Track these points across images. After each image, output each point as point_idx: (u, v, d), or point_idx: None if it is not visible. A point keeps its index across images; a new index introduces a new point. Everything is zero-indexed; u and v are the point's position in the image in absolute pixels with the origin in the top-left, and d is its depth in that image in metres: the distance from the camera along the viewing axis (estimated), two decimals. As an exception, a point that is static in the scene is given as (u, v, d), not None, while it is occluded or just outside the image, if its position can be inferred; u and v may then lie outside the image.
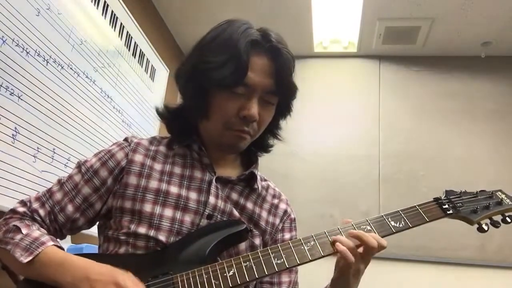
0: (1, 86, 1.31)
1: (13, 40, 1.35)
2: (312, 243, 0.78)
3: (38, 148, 1.48)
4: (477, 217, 0.83)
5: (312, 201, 2.60)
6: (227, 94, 0.82)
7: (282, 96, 0.88)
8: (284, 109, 0.92)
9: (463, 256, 2.34)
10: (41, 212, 0.83)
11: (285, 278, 0.93)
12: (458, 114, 2.69)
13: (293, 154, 2.64)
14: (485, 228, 0.83)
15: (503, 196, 0.87)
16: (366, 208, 2.55)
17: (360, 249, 0.77)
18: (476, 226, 0.84)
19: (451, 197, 0.86)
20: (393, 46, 2.79)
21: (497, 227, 0.83)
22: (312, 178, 2.67)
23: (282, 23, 2.58)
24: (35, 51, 1.45)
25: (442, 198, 0.86)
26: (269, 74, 0.83)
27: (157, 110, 0.95)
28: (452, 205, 0.84)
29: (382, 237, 0.79)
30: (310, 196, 2.61)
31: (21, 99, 1.39)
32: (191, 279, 0.73)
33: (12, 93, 1.35)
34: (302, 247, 0.77)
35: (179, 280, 0.73)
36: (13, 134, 1.36)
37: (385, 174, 2.63)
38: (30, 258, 0.73)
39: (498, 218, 0.84)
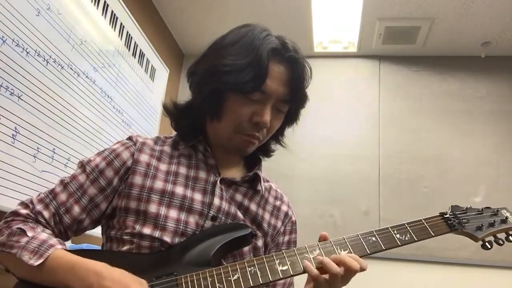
0: (1, 86, 1.30)
1: (13, 40, 1.35)
2: (318, 251, 0.77)
3: (38, 148, 1.48)
4: (482, 234, 0.84)
5: (312, 201, 2.60)
6: (243, 98, 0.83)
7: (294, 105, 0.89)
8: (292, 117, 0.93)
9: (463, 256, 2.34)
10: (45, 214, 0.81)
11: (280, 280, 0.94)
12: (458, 114, 2.69)
13: (293, 154, 2.64)
14: (489, 246, 0.84)
15: (508, 214, 0.88)
16: (366, 208, 2.56)
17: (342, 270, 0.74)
18: (480, 243, 0.85)
19: (457, 212, 0.87)
20: (393, 46, 2.79)
21: (500, 244, 0.84)
22: (312, 178, 2.67)
23: (282, 23, 2.58)
24: (35, 51, 1.45)
25: (448, 213, 0.87)
26: (285, 83, 0.84)
27: (165, 106, 0.95)
28: (458, 221, 0.85)
29: (388, 249, 0.80)
30: (310, 196, 2.61)
31: (21, 99, 1.39)
32: (195, 281, 0.73)
33: (12, 93, 1.35)
34: (307, 255, 0.77)
35: (183, 282, 0.73)
36: (13, 134, 1.36)
37: (385, 174, 2.62)
38: (41, 261, 0.71)
39: (502, 235, 0.86)
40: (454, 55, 2.80)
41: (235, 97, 0.84)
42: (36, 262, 0.71)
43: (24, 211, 0.81)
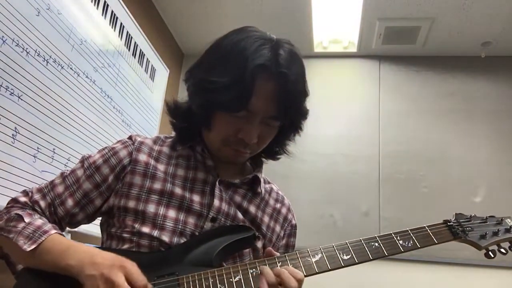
0: (1, 86, 1.30)
1: (13, 40, 1.35)
2: (320, 255, 0.77)
3: (38, 148, 1.48)
4: (486, 243, 0.84)
5: (312, 201, 2.60)
6: (228, 115, 0.81)
7: (287, 120, 0.86)
8: (292, 128, 0.91)
9: (463, 256, 2.34)
10: (42, 203, 0.84)
11: None
12: (458, 114, 2.69)
13: (293, 154, 2.64)
14: (492, 255, 0.84)
15: None
16: (366, 208, 2.55)
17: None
18: (484, 251, 0.85)
19: (460, 220, 0.87)
20: (393, 46, 2.79)
21: (504, 254, 0.84)
22: (312, 178, 2.67)
23: (282, 23, 2.58)
24: (35, 51, 1.45)
25: (452, 221, 0.86)
26: (274, 99, 0.80)
27: (167, 104, 0.94)
28: (462, 229, 0.85)
29: (390, 255, 0.79)
30: (310, 196, 2.61)
31: (21, 99, 1.39)
32: (196, 281, 0.73)
33: (12, 93, 1.35)
34: (309, 259, 0.77)
35: (185, 282, 0.73)
36: (13, 134, 1.36)
37: (385, 174, 2.62)
38: (34, 246, 0.74)
39: (505, 245, 0.85)
40: (454, 55, 2.80)
41: (221, 114, 0.82)
42: (30, 247, 0.74)
43: (23, 199, 0.85)
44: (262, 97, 0.79)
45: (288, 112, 0.82)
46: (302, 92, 0.84)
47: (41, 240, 0.75)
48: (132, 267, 0.70)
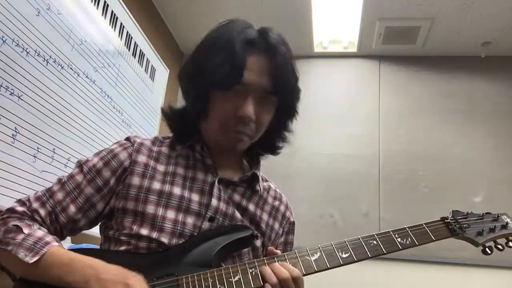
0: (1, 86, 1.30)
1: (13, 40, 1.35)
2: (319, 254, 0.78)
3: (38, 148, 1.48)
4: (482, 240, 0.85)
5: (312, 201, 2.60)
6: (224, 94, 0.83)
7: (281, 95, 0.86)
8: (287, 110, 0.91)
9: (463, 256, 2.34)
10: (42, 212, 0.81)
11: None
12: (458, 114, 2.69)
13: (293, 154, 2.64)
14: (489, 251, 0.85)
15: (508, 219, 0.88)
16: (366, 208, 2.55)
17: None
18: (481, 248, 0.86)
19: (457, 217, 0.88)
20: (393, 46, 2.78)
21: (500, 250, 0.85)
22: (312, 178, 2.67)
23: (282, 23, 2.58)
24: (35, 51, 1.45)
25: (449, 218, 0.87)
26: (266, 73, 0.83)
27: (163, 111, 0.95)
28: (459, 226, 0.85)
29: (388, 252, 0.80)
30: (310, 196, 2.61)
31: (21, 99, 1.39)
32: (196, 281, 0.73)
33: (12, 93, 1.35)
34: (308, 258, 0.77)
35: (184, 282, 0.73)
36: (13, 134, 1.36)
37: (385, 174, 2.62)
38: (36, 258, 0.72)
39: (502, 241, 0.86)
40: (454, 55, 2.80)
41: (217, 95, 0.84)
42: (32, 259, 0.71)
43: (20, 209, 0.81)
44: (254, 70, 0.82)
45: (281, 85, 0.84)
46: (292, 71, 0.86)
47: (43, 252, 0.72)
48: (136, 282, 0.68)
